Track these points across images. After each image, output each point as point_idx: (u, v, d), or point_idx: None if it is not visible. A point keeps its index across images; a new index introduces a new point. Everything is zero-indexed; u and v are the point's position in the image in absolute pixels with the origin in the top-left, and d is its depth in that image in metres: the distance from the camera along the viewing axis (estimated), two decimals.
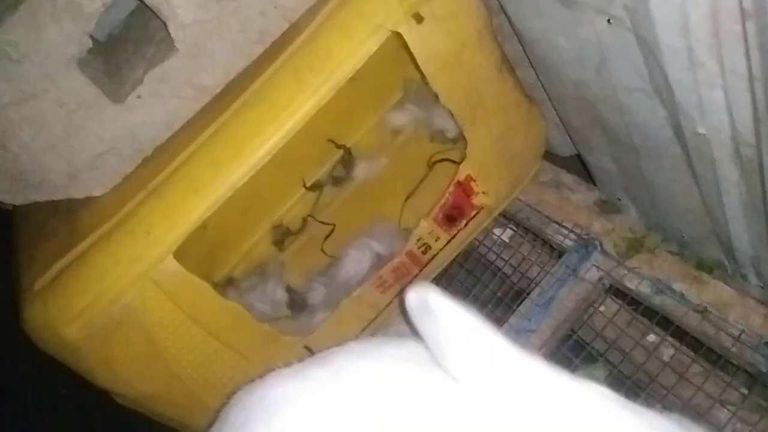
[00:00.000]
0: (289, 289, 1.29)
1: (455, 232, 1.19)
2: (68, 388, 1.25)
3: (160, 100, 0.89)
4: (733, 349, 0.95)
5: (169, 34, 0.84)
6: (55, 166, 0.88)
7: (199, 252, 0.96)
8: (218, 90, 0.92)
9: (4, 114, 0.81)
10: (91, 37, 0.82)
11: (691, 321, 0.99)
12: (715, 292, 1.01)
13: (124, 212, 0.88)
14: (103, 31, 0.97)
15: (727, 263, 1.02)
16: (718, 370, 0.98)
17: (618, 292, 1.10)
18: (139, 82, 0.86)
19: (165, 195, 0.87)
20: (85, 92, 0.84)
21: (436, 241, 1.18)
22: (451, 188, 1.13)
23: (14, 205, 0.93)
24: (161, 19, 0.84)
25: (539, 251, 1.24)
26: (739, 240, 0.92)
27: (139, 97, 0.87)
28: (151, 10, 0.83)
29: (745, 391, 0.95)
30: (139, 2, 0.88)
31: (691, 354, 1.01)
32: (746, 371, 0.96)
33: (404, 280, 1.19)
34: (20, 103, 0.81)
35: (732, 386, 0.95)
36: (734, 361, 0.96)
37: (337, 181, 1.43)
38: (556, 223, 1.20)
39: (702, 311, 0.99)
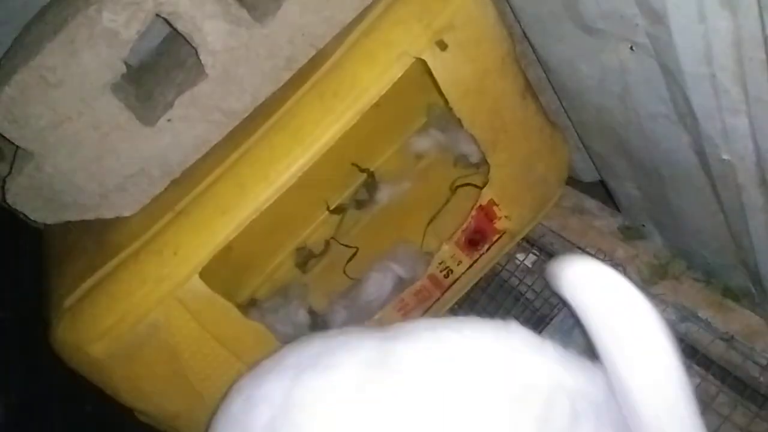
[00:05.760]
0: (311, 312, 1.29)
1: (477, 256, 1.19)
2: (94, 406, 1.26)
3: (189, 123, 0.91)
4: (761, 379, 0.93)
5: (200, 60, 0.87)
6: (87, 187, 0.90)
7: (224, 273, 0.97)
8: (246, 114, 0.94)
9: (41, 136, 0.84)
10: (125, 62, 0.84)
11: (718, 350, 0.98)
12: (741, 320, 0.99)
13: (152, 232, 0.89)
14: (137, 57, 1.00)
15: (754, 291, 1.00)
16: (745, 401, 0.96)
17: None
18: (170, 106, 0.89)
19: (192, 216, 0.89)
20: (118, 116, 0.86)
21: (458, 265, 1.18)
22: (473, 212, 1.13)
23: (46, 224, 0.95)
24: (192, 46, 0.86)
25: None
26: (766, 267, 0.90)
27: (169, 120, 0.89)
28: (183, 37, 0.86)
29: None
30: (171, 29, 0.90)
31: (718, 383, 0.99)
32: None
33: (425, 303, 1.19)
34: (56, 126, 0.84)
35: (760, 417, 0.93)
36: (762, 392, 0.94)
37: (360, 204, 1.44)
38: (580, 248, 1.19)
39: (728, 340, 0.97)
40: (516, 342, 0.63)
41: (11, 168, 0.89)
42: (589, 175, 1.24)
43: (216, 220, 0.88)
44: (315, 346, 0.69)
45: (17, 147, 0.86)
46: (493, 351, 0.61)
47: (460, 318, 0.68)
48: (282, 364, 0.68)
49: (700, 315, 1.02)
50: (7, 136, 0.83)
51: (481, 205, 1.13)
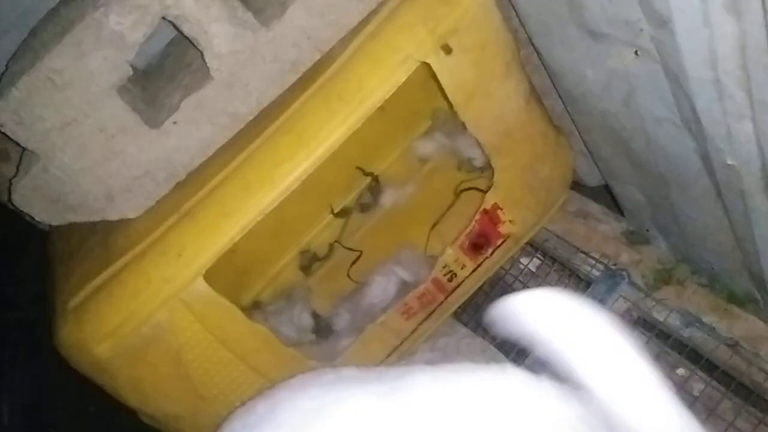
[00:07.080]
0: (314, 314, 1.30)
1: (481, 260, 1.19)
2: (97, 407, 1.26)
3: (194, 126, 0.91)
4: (766, 385, 0.93)
5: (206, 63, 0.87)
6: (93, 189, 0.91)
7: (228, 275, 0.97)
8: (251, 117, 0.95)
9: (47, 138, 0.84)
10: (131, 65, 0.85)
11: (722, 355, 0.97)
12: (746, 325, 0.99)
13: (157, 234, 0.90)
14: (143, 59, 1.00)
15: (758, 296, 1.00)
16: (749, 406, 0.96)
17: (646, 324, 1.09)
18: (175, 108, 0.89)
19: (197, 218, 0.89)
20: (124, 118, 0.87)
21: (462, 268, 1.18)
22: (477, 216, 1.13)
23: (51, 225, 0.96)
24: (198, 49, 0.86)
25: (566, 281, 1.23)
26: None
27: (174, 123, 0.90)
28: (189, 41, 0.86)
29: None
30: (177, 32, 0.91)
31: (722, 389, 0.99)
32: None
33: (429, 307, 1.19)
34: (62, 128, 0.84)
35: (765, 423, 0.93)
36: (767, 397, 0.94)
37: (364, 207, 1.44)
38: (584, 253, 1.19)
39: (733, 345, 0.97)
40: (515, 384, 0.62)
41: (17, 169, 0.89)
42: (593, 180, 1.24)
43: (220, 223, 0.89)
44: (297, 413, 0.61)
45: (23, 148, 0.87)
46: (496, 396, 0.61)
47: (456, 366, 0.67)
48: None
49: (704, 320, 1.01)
50: (14, 137, 0.84)
51: (485, 209, 1.13)
